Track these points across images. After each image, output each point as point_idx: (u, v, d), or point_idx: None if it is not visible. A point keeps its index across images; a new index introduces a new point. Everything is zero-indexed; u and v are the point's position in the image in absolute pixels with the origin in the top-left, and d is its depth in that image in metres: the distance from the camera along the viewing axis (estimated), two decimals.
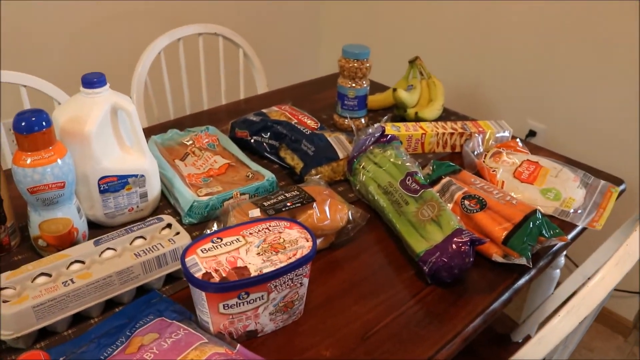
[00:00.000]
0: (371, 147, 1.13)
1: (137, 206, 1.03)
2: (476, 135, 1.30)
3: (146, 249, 0.86)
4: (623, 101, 1.84)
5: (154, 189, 1.04)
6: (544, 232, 0.95)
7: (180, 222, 1.03)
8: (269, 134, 1.23)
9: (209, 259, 0.74)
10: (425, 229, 0.95)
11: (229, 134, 1.30)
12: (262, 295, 0.75)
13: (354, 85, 1.37)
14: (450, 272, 0.89)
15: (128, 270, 0.84)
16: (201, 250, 0.76)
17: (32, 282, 0.81)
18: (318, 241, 0.95)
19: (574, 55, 1.91)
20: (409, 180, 1.03)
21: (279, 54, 2.71)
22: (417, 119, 1.45)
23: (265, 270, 0.73)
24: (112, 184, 0.98)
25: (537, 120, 2.09)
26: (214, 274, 0.72)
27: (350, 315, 0.86)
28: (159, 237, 0.90)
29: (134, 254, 0.85)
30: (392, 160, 1.09)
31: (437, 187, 1.09)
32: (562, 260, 1.31)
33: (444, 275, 0.90)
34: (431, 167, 1.15)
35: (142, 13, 2.15)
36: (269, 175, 1.09)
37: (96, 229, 1.02)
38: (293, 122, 1.24)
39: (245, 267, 0.73)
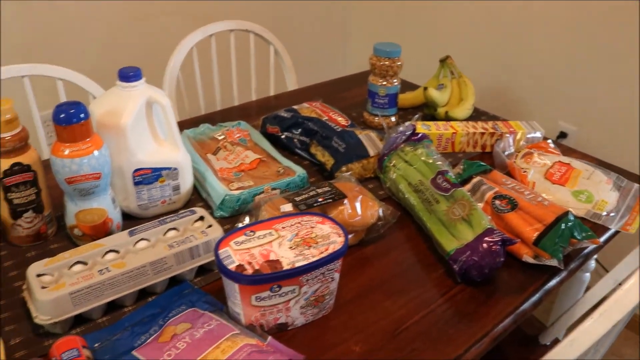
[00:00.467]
0: (402, 145, 1.13)
1: (170, 199, 1.04)
2: (507, 135, 1.29)
3: (179, 241, 0.87)
4: None
5: (186, 182, 1.05)
6: (575, 234, 0.94)
7: (211, 215, 1.04)
8: (299, 130, 1.24)
9: (242, 252, 0.75)
10: (455, 227, 0.95)
11: (260, 130, 1.31)
12: (294, 289, 0.75)
13: (384, 83, 1.37)
14: (481, 271, 0.89)
15: (161, 261, 0.85)
16: (234, 242, 0.77)
17: (68, 269, 0.83)
18: (348, 237, 0.96)
19: (607, 56, 1.89)
20: (439, 179, 1.03)
21: (308, 52, 2.72)
22: (448, 118, 1.45)
23: (297, 264, 0.73)
24: (146, 177, 1.00)
25: (568, 122, 2.07)
26: (247, 266, 0.73)
27: (380, 311, 0.86)
28: (191, 229, 0.91)
29: (168, 245, 0.87)
30: (423, 158, 1.09)
31: (468, 186, 1.09)
32: (592, 263, 1.30)
33: (474, 275, 0.89)
34: (462, 167, 1.15)
35: (175, 9, 2.17)
36: (300, 171, 1.10)
37: (129, 220, 1.03)
38: (324, 119, 1.25)
39: (278, 260, 0.74)
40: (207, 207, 1.07)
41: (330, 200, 0.94)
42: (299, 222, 0.81)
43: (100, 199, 0.94)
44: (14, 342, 0.79)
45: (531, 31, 2.08)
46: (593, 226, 1.06)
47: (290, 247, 0.76)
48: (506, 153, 1.26)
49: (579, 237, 0.94)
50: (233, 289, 0.74)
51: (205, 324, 0.76)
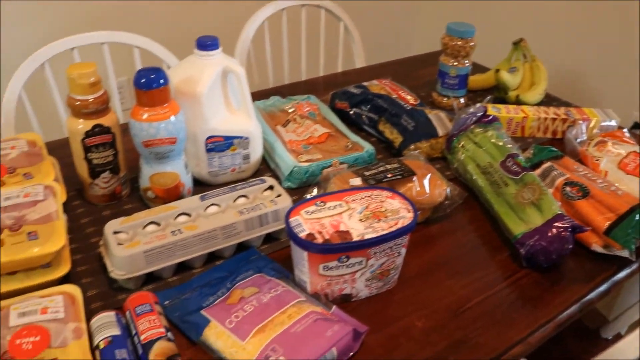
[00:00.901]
0: (472, 127, 1.12)
1: (239, 167, 1.07)
2: (580, 122, 1.26)
3: (249, 208, 0.90)
4: None
5: (256, 151, 1.07)
6: None
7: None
8: (368, 106, 1.24)
9: (313, 221, 0.77)
10: (524, 211, 0.93)
11: (329, 105, 1.32)
12: (361, 261, 0.76)
13: (456, 63, 1.35)
14: (548, 256, 0.88)
15: (231, 226, 0.87)
16: (305, 212, 0.78)
17: (143, 229, 0.87)
18: None
19: None
20: (509, 162, 1.02)
21: (377, 30, 2.70)
22: (518, 102, 1.42)
23: (367, 236, 0.74)
24: (218, 144, 1.02)
25: None
26: (317, 235, 0.74)
27: (443, 289, 0.86)
28: (261, 198, 0.93)
29: (238, 211, 0.89)
30: (493, 140, 1.07)
31: (538, 171, 1.07)
32: None
33: (541, 260, 0.88)
34: (532, 151, 1.13)
35: None
36: (368, 146, 1.10)
37: (199, 186, 1.06)
38: (393, 97, 1.24)
39: (348, 231, 0.75)
40: (275, 177, 1.09)
41: (399, 176, 0.94)
42: (369, 196, 0.81)
43: (174, 164, 0.97)
44: (90, 293, 0.83)
45: (608, 18, 2.01)
46: None
47: (360, 220, 0.77)
48: (578, 140, 1.23)
49: None
50: (302, 257, 0.76)
51: (272, 289, 0.78)
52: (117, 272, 0.82)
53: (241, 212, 0.88)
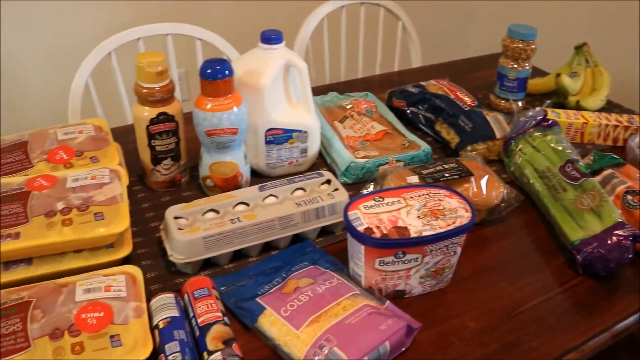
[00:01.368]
0: (531, 130, 1.11)
1: (297, 160, 1.08)
2: None
3: (306, 200, 0.91)
4: None
5: (314, 146, 1.09)
6: None
7: None
8: (426, 106, 1.24)
9: (371, 216, 0.77)
10: (583, 217, 0.92)
11: (386, 103, 1.32)
12: (417, 258, 0.77)
13: (515, 66, 1.34)
14: (606, 265, 0.86)
15: (289, 217, 0.89)
16: (364, 206, 0.79)
17: (202, 215, 0.89)
18: None
19: None
20: (568, 167, 1.00)
21: (435, 30, 2.69)
22: (578, 107, 1.40)
23: (424, 233, 0.75)
24: (278, 137, 1.04)
25: None
26: (375, 229, 0.75)
27: (496, 291, 0.86)
28: (318, 191, 0.94)
29: (295, 203, 0.90)
30: (552, 145, 1.06)
31: (598, 178, 1.05)
32: None
33: (599, 268, 0.87)
34: (592, 157, 1.11)
35: None
36: (424, 146, 1.11)
37: (256, 177, 1.08)
38: (451, 97, 1.24)
39: (406, 227, 0.76)
40: (331, 173, 1.10)
41: (457, 176, 0.94)
42: (427, 194, 0.82)
43: (234, 154, 0.99)
44: (150, 275, 0.86)
45: None
46: None
47: (418, 217, 0.77)
48: None
49: None
50: (359, 251, 0.77)
51: (327, 281, 0.80)
52: (176, 256, 0.84)
53: (298, 204, 0.90)
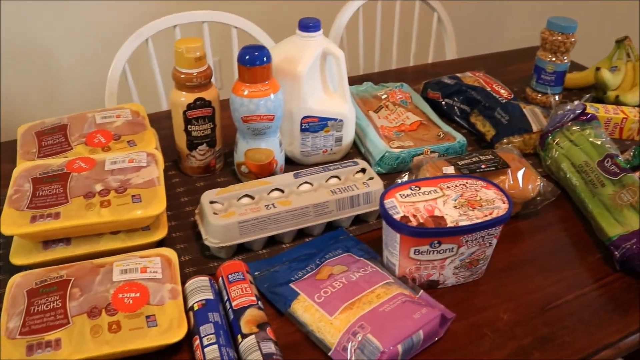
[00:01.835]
0: (569, 124, 1.09)
1: (331, 149, 1.08)
2: None
3: (341, 188, 0.91)
4: None
5: (349, 135, 1.09)
6: None
7: None
8: (461, 98, 1.23)
9: (407, 204, 0.77)
10: (622, 213, 0.91)
11: (421, 94, 1.31)
12: (453, 248, 0.76)
13: (554, 59, 1.32)
14: None
15: (323, 205, 0.89)
16: (400, 195, 0.79)
17: (237, 201, 0.89)
18: None
19: None
20: (607, 162, 0.98)
21: (470, 23, 2.66)
22: (617, 102, 1.37)
23: (461, 223, 0.74)
24: (313, 124, 1.04)
25: None
26: (411, 218, 0.75)
27: (530, 285, 0.85)
28: (352, 179, 0.94)
29: (330, 190, 0.90)
30: (591, 139, 1.04)
31: (638, 174, 1.03)
32: None
33: (637, 264, 0.86)
34: (632, 153, 1.09)
35: None
36: (460, 137, 1.10)
37: (290, 164, 1.09)
38: (487, 90, 1.23)
39: (442, 217, 0.75)
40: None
41: (493, 168, 0.93)
42: (463, 184, 0.81)
43: (270, 141, 1.00)
44: (184, 259, 0.87)
45: None
46: None
47: (455, 207, 0.77)
48: None
49: None
50: (394, 239, 0.76)
51: (361, 269, 0.80)
52: (211, 240, 0.85)
53: (333, 192, 0.90)
